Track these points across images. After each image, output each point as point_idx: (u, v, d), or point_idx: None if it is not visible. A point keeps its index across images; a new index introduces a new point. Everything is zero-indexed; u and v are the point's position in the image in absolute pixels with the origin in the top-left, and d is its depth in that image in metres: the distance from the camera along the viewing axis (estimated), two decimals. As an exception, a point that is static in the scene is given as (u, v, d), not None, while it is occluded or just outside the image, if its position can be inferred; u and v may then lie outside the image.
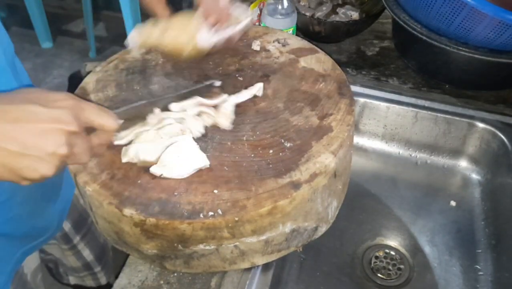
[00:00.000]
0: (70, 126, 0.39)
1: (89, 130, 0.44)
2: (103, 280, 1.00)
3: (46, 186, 0.72)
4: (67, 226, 0.84)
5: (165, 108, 0.54)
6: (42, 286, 0.83)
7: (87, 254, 0.92)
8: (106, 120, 0.44)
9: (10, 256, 0.68)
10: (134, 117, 0.52)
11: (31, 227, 0.70)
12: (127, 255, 0.58)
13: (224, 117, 0.55)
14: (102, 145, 0.46)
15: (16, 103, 0.39)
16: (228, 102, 0.57)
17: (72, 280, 1.00)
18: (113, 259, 1.03)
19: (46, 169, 0.39)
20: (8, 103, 0.38)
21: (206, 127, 0.55)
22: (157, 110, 0.53)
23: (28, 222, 0.69)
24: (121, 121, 0.46)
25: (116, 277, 0.58)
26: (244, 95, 0.58)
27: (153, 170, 0.49)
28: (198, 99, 0.55)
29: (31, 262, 0.78)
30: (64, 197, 0.78)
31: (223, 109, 0.56)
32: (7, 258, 0.67)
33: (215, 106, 0.56)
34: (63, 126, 0.39)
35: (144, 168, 0.50)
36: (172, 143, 0.50)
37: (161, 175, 0.49)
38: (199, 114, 0.55)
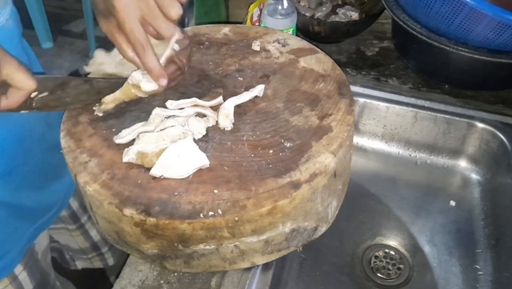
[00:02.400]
0: None
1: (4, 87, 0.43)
2: (111, 261, 1.00)
3: (51, 161, 0.72)
4: (74, 204, 0.85)
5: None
6: (51, 267, 0.84)
7: (95, 234, 0.92)
8: (21, 78, 0.43)
9: (22, 232, 0.69)
10: (56, 86, 0.50)
11: (38, 201, 0.71)
12: (127, 255, 0.58)
13: (224, 117, 0.55)
14: (9, 105, 0.45)
15: None
16: (228, 103, 0.57)
17: (80, 264, 0.99)
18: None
19: None
20: None
21: (207, 128, 0.55)
22: (159, 110, 0.53)
23: (35, 194, 0.70)
24: (35, 85, 0.45)
25: (124, 263, 0.58)
26: (245, 97, 0.58)
27: (153, 171, 0.49)
28: (194, 99, 0.55)
29: (42, 242, 0.79)
30: (69, 175, 0.78)
31: (223, 110, 0.56)
32: (19, 233, 0.69)
33: (212, 107, 0.57)
34: None
35: (145, 168, 0.50)
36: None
37: (162, 176, 0.49)
38: (199, 114, 0.56)
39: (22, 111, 0.48)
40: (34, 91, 0.46)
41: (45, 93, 0.49)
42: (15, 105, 0.46)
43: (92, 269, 1.02)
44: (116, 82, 0.55)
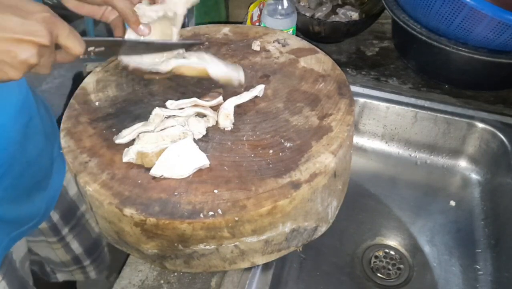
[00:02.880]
0: (42, 39, 0.43)
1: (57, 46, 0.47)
2: (93, 274, 0.99)
3: (35, 173, 0.73)
4: (55, 216, 0.84)
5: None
6: (30, 274, 0.83)
7: (76, 247, 0.91)
8: (73, 43, 0.48)
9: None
10: (105, 47, 0.55)
11: (19, 212, 0.70)
12: (127, 255, 0.58)
13: (224, 117, 0.55)
14: (63, 61, 0.50)
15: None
16: (228, 103, 0.57)
17: (61, 277, 0.98)
18: (112, 258, 1.03)
19: (14, 74, 0.43)
20: None
21: (207, 128, 0.55)
22: (159, 110, 0.54)
23: (15, 207, 0.69)
24: (84, 48, 0.50)
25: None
26: (245, 97, 0.58)
27: (153, 171, 0.49)
28: (194, 99, 0.55)
29: (19, 249, 0.78)
30: (53, 186, 0.78)
31: (223, 110, 0.56)
32: None
33: (212, 107, 0.57)
34: (36, 39, 0.42)
35: (145, 168, 0.50)
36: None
37: (162, 176, 0.49)
38: (199, 114, 0.56)
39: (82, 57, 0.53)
40: (89, 47, 0.52)
41: (101, 48, 0.54)
42: (68, 62, 0.51)
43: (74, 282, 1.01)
44: (169, 43, 0.60)
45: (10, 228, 0.70)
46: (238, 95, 0.58)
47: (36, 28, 0.43)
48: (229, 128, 0.55)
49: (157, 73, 0.58)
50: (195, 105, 0.56)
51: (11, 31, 0.41)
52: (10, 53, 0.42)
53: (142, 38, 0.58)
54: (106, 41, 0.55)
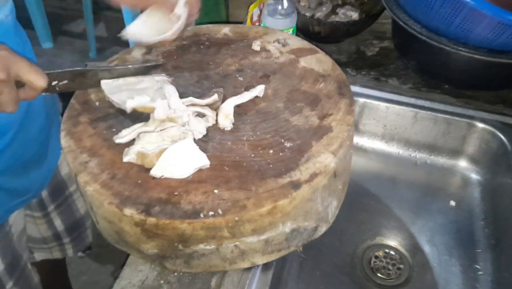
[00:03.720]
0: (4, 71, 0.43)
1: (19, 83, 0.48)
2: (70, 252, 1.01)
3: (34, 149, 0.74)
4: (44, 193, 0.85)
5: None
6: (27, 249, 0.84)
7: (59, 224, 0.93)
8: (35, 77, 0.47)
9: None
10: (76, 75, 0.55)
11: (16, 184, 0.72)
12: (128, 255, 0.58)
13: (224, 117, 0.55)
14: (27, 98, 0.50)
15: None
16: (228, 103, 0.57)
17: (38, 255, 0.99)
18: (92, 240, 1.04)
19: None
20: None
21: (207, 128, 0.55)
22: (159, 104, 0.53)
23: (14, 179, 0.71)
24: (47, 81, 0.49)
25: (124, 263, 0.58)
26: (245, 97, 0.58)
27: (154, 172, 0.49)
28: (190, 98, 0.55)
29: (18, 223, 0.79)
30: (48, 164, 0.80)
31: (223, 110, 0.56)
32: None
33: (211, 107, 0.57)
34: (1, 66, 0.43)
35: (145, 168, 0.50)
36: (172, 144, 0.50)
37: (162, 176, 0.49)
38: (199, 114, 0.56)
39: (46, 94, 0.53)
40: (53, 81, 0.51)
41: (65, 81, 0.53)
42: (32, 98, 0.50)
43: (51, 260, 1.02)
44: (133, 68, 0.60)
45: (8, 198, 0.72)
46: (238, 95, 0.58)
47: None
48: (229, 128, 0.55)
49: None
50: (192, 105, 0.56)
51: None
52: None
53: (103, 64, 0.59)
54: (70, 72, 0.54)
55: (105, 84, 0.59)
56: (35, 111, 0.72)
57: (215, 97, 0.57)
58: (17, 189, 0.73)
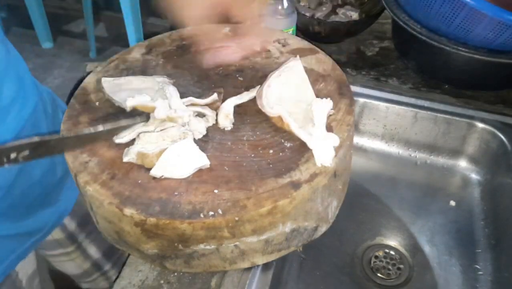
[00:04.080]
0: None
1: None
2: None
3: (39, 193, 0.71)
4: (72, 225, 0.83)
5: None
6: None
7: (94, 251, 0.90)
8: None
9: (0, 259, 0.67)
10: (31, 147, 0.47)
11: (21, 229, 0.69)
12: (128, 255, 0.58)
13: (224, 117, 0.55)
14: None
15: None
16: (228, 103, 0.57)
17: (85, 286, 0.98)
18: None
19: None
20: None
21: (207, 128, 0.55)
22: (160, 103, 0.53)
23: (18, 224, 0.68)
24: None
25: (124, 263, 0.58)
26: (245, 97, 0.58)
27: (154, 172, 0.49)
28: (189, 98, 0.55)
29: (27, 267, 0.76)
30: (64, 201, 0.77)
31: (223, 109, 0.56)
32: None
33: (211, 107, 0.56)
34: None
35: (145, 168, 0.50)
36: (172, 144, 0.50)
37: (162, 176, 0.49)
38: (199, 114, 0.56)
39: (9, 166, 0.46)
40: (11, 152, 0.44)
41: (25, 152, 0.46)
42: None
43: None
44: (103, 130, 0.53)
45: (15, 245, 0.69)
46: (238, 95, 0.58)
47: None
48: (229, 128, 0.55)
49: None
50: (192, 104, 0.56)
51: None
52: None
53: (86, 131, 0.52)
54: (27, 144, 0.46)
55: (106, 82, 0.59)
56: None
57: (214, 96, 0.56)
58: (22, 232, 0.70)
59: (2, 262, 0.67)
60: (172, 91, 0.55)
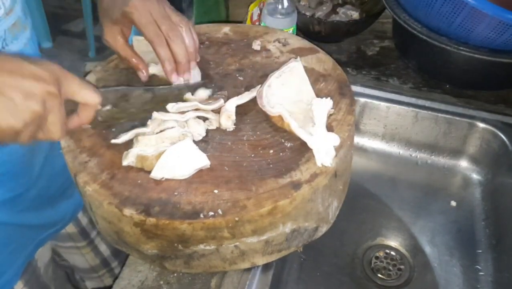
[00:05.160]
0: (49, 86, 0.40)
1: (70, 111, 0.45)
2: None
3: (61, 184, 0.73)
4: (84, 220, 0.84)
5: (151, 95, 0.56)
6: (53, 279, 0.83)
7: (104, 249, 0.92)
8: (87, 93, 0.44)
9: (22, 248, 0.69)
10: (118, 98, 0.53)
11: (43, 219, 0.71)
12: (127, 255, 0.58)
13: (226, 118, 0.55)
14: (82, 122, 0.47)
15: (8, 59, 0.40)
16: (230, 103, 0.56)
17: (90, 284, 0.99)
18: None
19: (15, 119, 0.39)
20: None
21: (207, 130, 0.55)
22: (157, 114, 0.53)
23: (40, 214, 0.70)
24: (101, 98, 0.47)
25: (124, 263, 0.58)
26: (246, 97, 0.58)
27: (154, 174, 0.49)
28: (195, 103, 0.55)
29: (44, 255, 0.78)
30: (79, 193, 0.78)
31: (225, 111, 0.55)
32: (19, 249, 0.68)
33: (214, 110, 0.56)
34: (43, 84, 0.40)
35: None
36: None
37: (162, 178, 0.49)
38: (200, 117, 0.55)
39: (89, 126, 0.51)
40: (105, 97, 0.48)
41: (108, 107, 0.51)
42: (87, 121, 0.48)
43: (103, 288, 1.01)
44: (176, 88, 0.57)
45: (35, 234, 0.71)
46: (239, 96, 0.58)
47: (43, 74, 0.40)
48: (231, 129, 0.55)
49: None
50: (197, 109, 0.55)
51: (19, 74, 0.39)
52: (13, 93, 0.38)
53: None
54: (116, 91, 0.52)
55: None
56: (59, 145, 0.70)
57: (221, 103, 0.56)
58: (44, 223, 0.72)
59: (24, 250, 0.69)
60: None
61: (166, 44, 0.54)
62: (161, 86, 0.58)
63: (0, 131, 0.39)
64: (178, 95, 0.56)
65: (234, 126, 0.55)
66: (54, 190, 0.72)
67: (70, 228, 0.83)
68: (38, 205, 0.69)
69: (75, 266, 0.93)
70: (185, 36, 0.55)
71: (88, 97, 0.45)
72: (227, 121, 0.55)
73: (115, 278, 0.97)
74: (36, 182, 0.66)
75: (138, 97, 0.55)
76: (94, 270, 0.94)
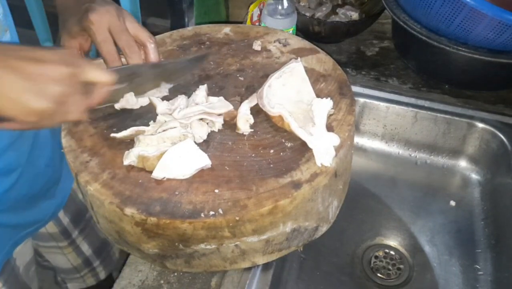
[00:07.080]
0: (69, 69, 0.43)
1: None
2: (102, 275, 0.99)
3: (43, 184, 0.72)
4: (65, 220, 0.84)
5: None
6: (35, 279, 0.83)
7: (86, 249, 0.92)
8: (101, 72, 0.47)
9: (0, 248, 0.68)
10: (129, 75, 0.54)
11: (22, 219, 0.71)
12: (128, 255, 0.58)
13: (244, 122, 0.55)
14: (98, 102, 0.49)
15: (27, 49, 0.43)
16: (244, 107, 0.56)
17: (72, 286, 0.98)
18: (119, 257, 1.03)
19: (44, 100, 0.41)
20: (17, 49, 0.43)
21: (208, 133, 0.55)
22: (162, 118, 0.53)
23: (20, 214, 0.69)
24: (115, 77, 0.49)
25: (124, 263, 0.58)
26: (255, 99, 0.58)
27: (155, 174, 0.49)
28: (202, 108, 0.55)
29: (25, 255, 0.78)
30: (60, 193, 0.79)
31: (241, 114, 0.55)
32: None
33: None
34: (64, 68, 0.42)
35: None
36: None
37: (164, 178, 0.49)
38: (203, 119, 0.55)
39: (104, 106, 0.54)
40: (118, 75, 0.50)
41: (121, 85, 0.53)
42: (102, 101, 0.49)
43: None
44: (183, 62, 0.62)
45: (13, 233, 0.70)
46: (250, 98, 0.58)
47: (64, 57, 0.43)
48: (248, 133, 0.55)
49: None
50: (204, 113, 0.55)
51: (40, 60, 0.42)
52: (38, 78, 0.41)
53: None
54: (124, 69, 0.53)
55: None
56: (42, 145, 0.71)
57: (230, 109, 0.56)
58: (23, 223, 0.72)
59: (1, 250, 0.69)
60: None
61: (119, 63, 0.54)
62: (167, 61, 0.61)
63: (30, 112, 0.42)
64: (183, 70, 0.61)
65: (251, 129, 0.55)
66: (36, 190, 0.71)
67: (52, 228, 0.83)
68: (18, 205, 0.68)
69: (58, 266, 0.93)
70: (150, 52, 0.56)
71: (102, 76, 0.47)
72: (245, 125, 0.54)
73: (98, 278, 0.98)
74: (17, 182, 0.66)
75: (147, 74, 0.56)
76: (76, 270, 0.94)
